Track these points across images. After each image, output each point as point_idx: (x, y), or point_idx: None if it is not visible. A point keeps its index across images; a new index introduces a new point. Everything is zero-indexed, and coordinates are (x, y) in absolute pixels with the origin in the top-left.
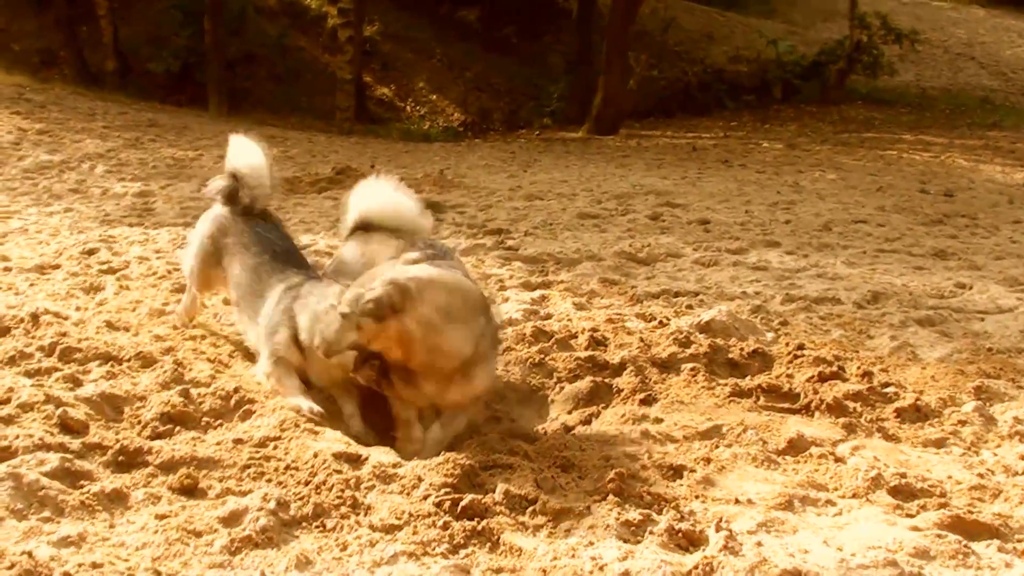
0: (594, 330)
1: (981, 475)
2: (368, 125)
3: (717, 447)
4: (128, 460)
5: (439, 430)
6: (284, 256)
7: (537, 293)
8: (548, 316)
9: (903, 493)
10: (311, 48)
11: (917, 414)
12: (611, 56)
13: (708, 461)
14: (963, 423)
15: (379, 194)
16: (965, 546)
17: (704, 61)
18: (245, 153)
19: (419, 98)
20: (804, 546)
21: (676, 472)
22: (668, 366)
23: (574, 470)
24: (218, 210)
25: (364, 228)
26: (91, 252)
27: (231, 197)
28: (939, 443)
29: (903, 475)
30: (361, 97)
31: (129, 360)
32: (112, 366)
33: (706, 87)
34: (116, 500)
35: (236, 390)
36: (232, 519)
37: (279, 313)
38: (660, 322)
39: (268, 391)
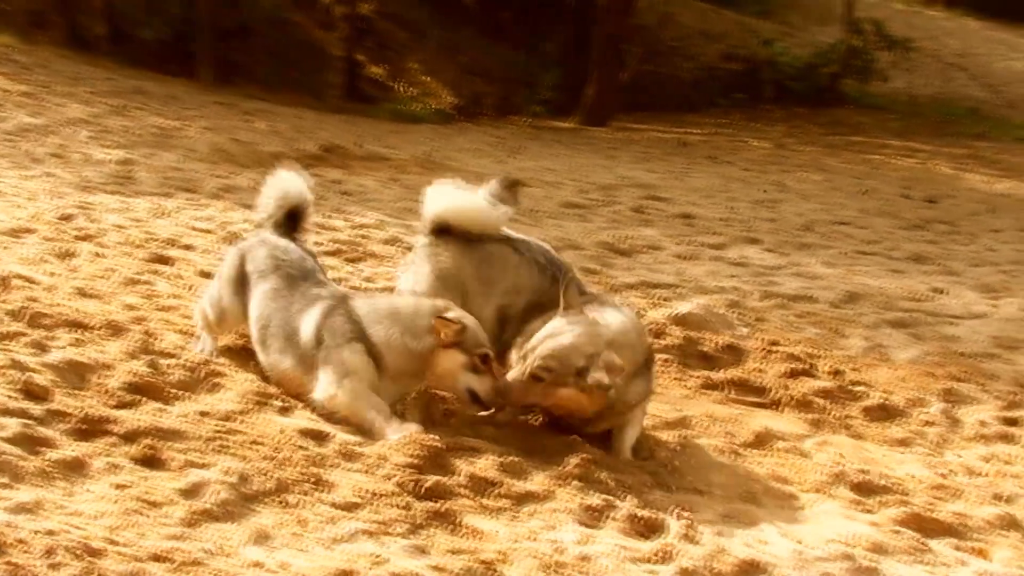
0: None
1: (943, 475)
2: (358, 104)
3: (684, 438)
4: (90, 428)
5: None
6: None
7: None
8: None
9: (864, 489)
10: (306, 24)
11: (884, 413)
12: (605, 48)
13: (674, 451)
14: (929, 424)
15: (458, 196)
16: (922, 543)
17: (698, 58)
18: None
19: (411, 79)
20: (763, 537)
21: (642, 460)
22: None
23: (539, 455)
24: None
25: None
26: (67, 218)
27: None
28: (904, 442)
29: (866, 472)
30: (353, 75)
31: (98, 328)
32: (80, 333)
33: (698, 84)
34: (75, 468)
35: (205, 363)
36: (192, 491)
37: (338, 330)
38: (636, 313)
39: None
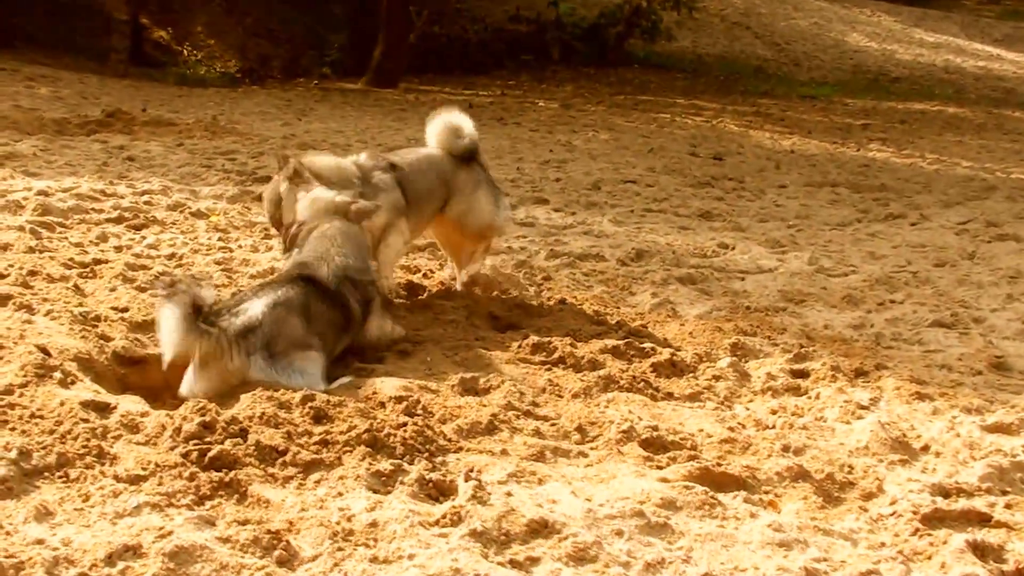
0: None
1: (732, 429)
2: (144, 68)
3: (476, 396)
4: None
5: None
6: None
7: None
8: None
9: (654, 446)
10: None
11: (673, 369)
12: (392, 9)
13: (464, 412)
14: (717, 378)
15: None
16: (712, 497)
17: (485, 20)
18: None
19: (196, 42)
20: (553, 496)
21: (432, 423)
22: (432, 317)
23: (327, 421)
24: None
25: None
26: None
27: None
28: (693, 397)
29: (655, 428)
30: (137, 39)
31: None
32: None
33: (485, 45)
34: None
35: None
36: None
37: None
38: (424, 274)
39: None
